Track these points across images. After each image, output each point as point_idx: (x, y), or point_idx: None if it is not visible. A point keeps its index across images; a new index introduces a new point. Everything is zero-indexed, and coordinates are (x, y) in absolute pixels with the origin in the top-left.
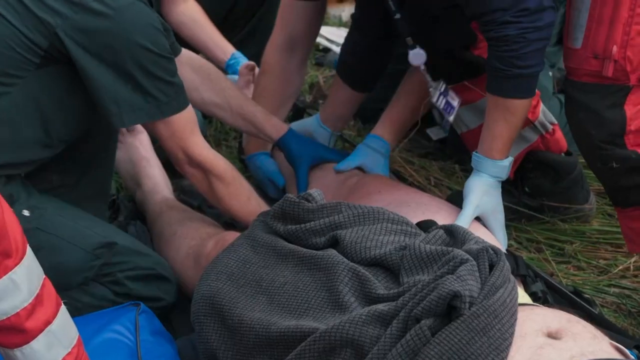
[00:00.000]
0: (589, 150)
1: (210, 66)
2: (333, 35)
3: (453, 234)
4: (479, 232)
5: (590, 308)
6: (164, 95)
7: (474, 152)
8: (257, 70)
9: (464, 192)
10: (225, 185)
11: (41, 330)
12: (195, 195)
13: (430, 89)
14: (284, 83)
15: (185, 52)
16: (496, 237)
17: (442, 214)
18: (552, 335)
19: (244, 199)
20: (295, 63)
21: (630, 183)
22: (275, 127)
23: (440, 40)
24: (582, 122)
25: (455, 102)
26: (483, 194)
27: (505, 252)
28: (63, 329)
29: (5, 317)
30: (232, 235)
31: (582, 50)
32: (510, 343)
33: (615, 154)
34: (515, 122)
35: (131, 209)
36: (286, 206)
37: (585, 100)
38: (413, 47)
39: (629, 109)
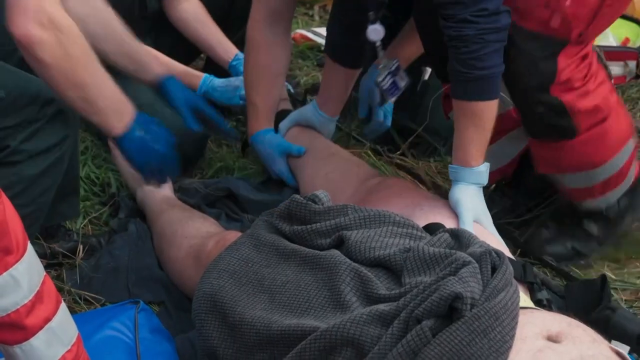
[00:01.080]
0: (519, 94)
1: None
2: None
3: (458, 238)
4: (487, 238)
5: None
6: None
7: (450, 165)
8: None
9: (452, 202)
10: (79, 43)
11: (41, 327)
12: (192, 193)
13: (380, 67)
14: (273, 57)
15: None
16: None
17: (455, 218)
18: (552, 339)
19: (91, 58)
20: (280, 36)
21: (553, 123)
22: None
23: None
24: (518, 67)
25: (403, 83)
26: (471, 199)
27: (514, 259)
28: (63, 326)
29: (5, 314)
30: (233, 235)
31: None
32: (511, 346)
33: (542, 99)
34: (484, 126)
35: (132, 207)
36: (293, 207)
37: (525, 47)
38: (373, 22)
39: (562, 61)
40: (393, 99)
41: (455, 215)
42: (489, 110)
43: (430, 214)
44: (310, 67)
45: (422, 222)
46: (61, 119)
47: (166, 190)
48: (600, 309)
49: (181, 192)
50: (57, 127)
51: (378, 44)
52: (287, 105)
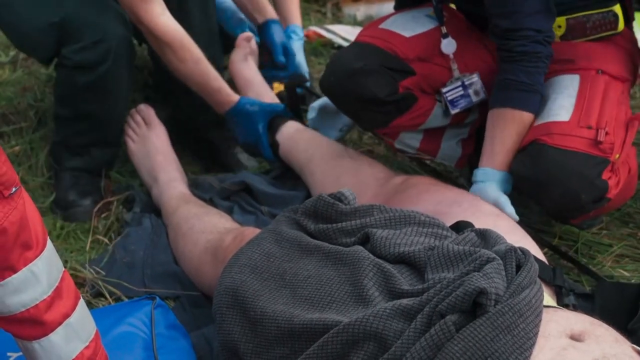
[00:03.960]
0: (569, 209)
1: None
2: (348, 34)
3: (485, 237)
4: (526, 241)
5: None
6: None
7: (479, 169)
8: (253, 41)
9: (490, 198)
10: (173, 51)
11: (60, 323)
12: (207, 188)
13: (453, 78)
14: None
15: None
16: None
17: (492, 218)
18: (575, 338)
19: (192, 63)
20: None
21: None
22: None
23: None
24: (574, 185)
25: (477, 98)
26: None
27: (545, 262)
28: (81, 322)
29: (24, 309)
30: (251, 231)
31: (572, 121)
32: (534, 343)
33: (592, 207)
34: (522, 136)
35: (146, 202)
36: (320, 205)
37: (578, 167)
38: (445, 36)
39: (605, 177)
40: (455, 111)
41: (494, 211)
42: (530, 122)
43: (469, 211)
44: (323, 64)
45: (460, 218)
46: (105, 47)
47: (182, 186)
48: (636, 321)
49: (195, 187)
50: (100, 50)
51: (451, 57)
52: None
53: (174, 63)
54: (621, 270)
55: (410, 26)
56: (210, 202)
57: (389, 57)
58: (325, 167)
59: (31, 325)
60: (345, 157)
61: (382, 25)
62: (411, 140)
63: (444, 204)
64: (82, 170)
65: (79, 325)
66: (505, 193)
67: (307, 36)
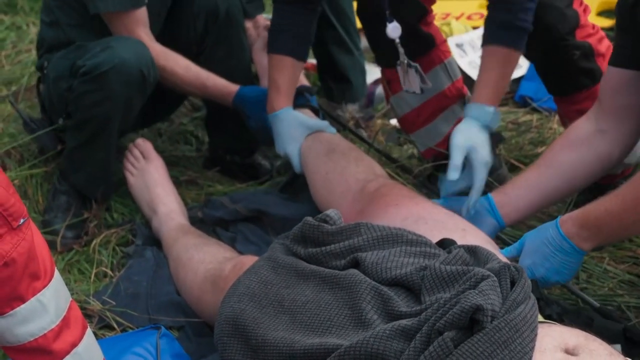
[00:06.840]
0: (552, 43)
1: None
2: None
3: (475, 254)
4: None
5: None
6: None
7: (468, 104)
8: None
9: (472, 136)
10: (161, 66)
11: (67, 352)
12: (218, 207)
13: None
14: (298, 40)
15: None
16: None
17: (459, 233)
18: (569, 352)
19: (182, 71)
20: (305, 23)
21: (585, 66)
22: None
23: (400, 13)
24: (549, 19)
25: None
26: (467, 132)
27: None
28: (89, 351)
29: (32, 339)
30: (250, 259)
31: None
32: (531, 357)
33: (575, 44)
34: (508, 74)
35: (147, 235)
36: (306, 229)
37: (551, 2)
38: (391, 21)
39: (577, 8)
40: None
41: (460, 226)
42: (516, 60)
43: (435, 229)
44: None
45: (427, 237)
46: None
47: (180, 217)
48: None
49: (205, 206)
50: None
51: (397, 41)
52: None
53: (167, 77)
54: (620, 296)
55: None
56: (214, 233)
57: None
58: (317, 161)
59: (39, 354)
60: (336, 152)
61: None
62: (411, 100)
63: (409, 220)
64: (77, 191)
65: (87, 355)
66: (493, 128)
67: (306, 68)
